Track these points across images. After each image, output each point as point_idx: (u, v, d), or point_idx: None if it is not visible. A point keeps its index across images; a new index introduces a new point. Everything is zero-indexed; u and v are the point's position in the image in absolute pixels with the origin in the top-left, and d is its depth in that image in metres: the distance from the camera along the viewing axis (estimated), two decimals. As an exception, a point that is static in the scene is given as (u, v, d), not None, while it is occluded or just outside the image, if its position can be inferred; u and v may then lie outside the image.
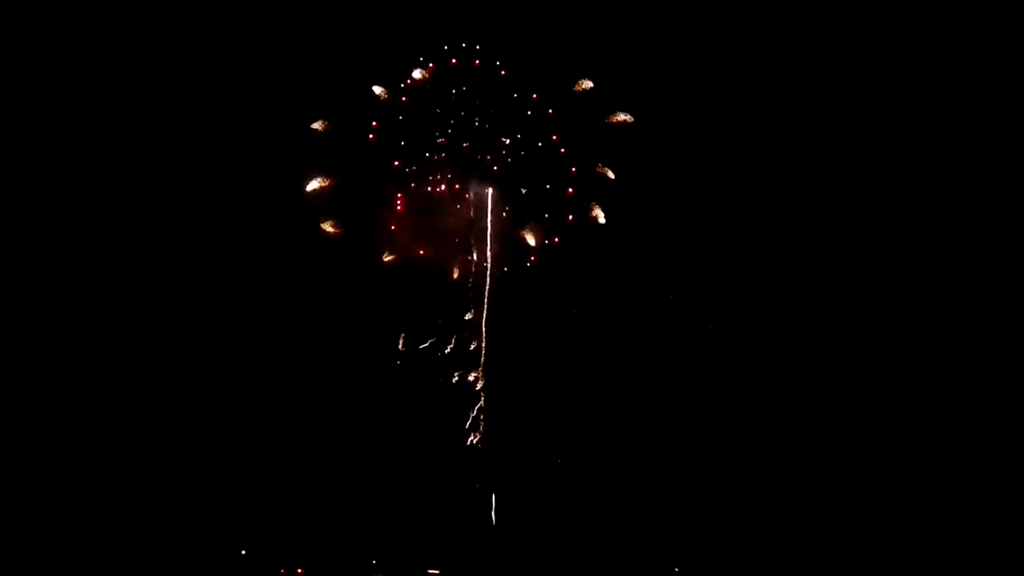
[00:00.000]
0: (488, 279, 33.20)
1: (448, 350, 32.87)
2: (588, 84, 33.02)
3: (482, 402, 32.52)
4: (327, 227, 32.88)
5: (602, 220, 32.88)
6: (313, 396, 32.69)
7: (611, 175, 32.88)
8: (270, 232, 33.24)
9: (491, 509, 32.13)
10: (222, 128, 33.30)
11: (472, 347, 32.86)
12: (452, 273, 33.15)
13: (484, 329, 32.86)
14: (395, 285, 33.16)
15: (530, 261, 33.12)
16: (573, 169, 33.26)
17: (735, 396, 33.00)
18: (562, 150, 33.26)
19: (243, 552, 31.79)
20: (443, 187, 33.18)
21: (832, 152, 33.62)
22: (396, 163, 33.10)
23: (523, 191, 33.22)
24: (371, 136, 33.29)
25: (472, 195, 33.22)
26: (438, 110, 33.44)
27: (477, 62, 33.37)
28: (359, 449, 32.44)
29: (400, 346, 32.83)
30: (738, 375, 33.12)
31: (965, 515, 31.00)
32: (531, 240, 32.82)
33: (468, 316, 32.98)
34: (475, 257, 33.19)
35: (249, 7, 33.56)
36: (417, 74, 33.28)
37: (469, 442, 32.43)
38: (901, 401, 32.50)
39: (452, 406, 32.71)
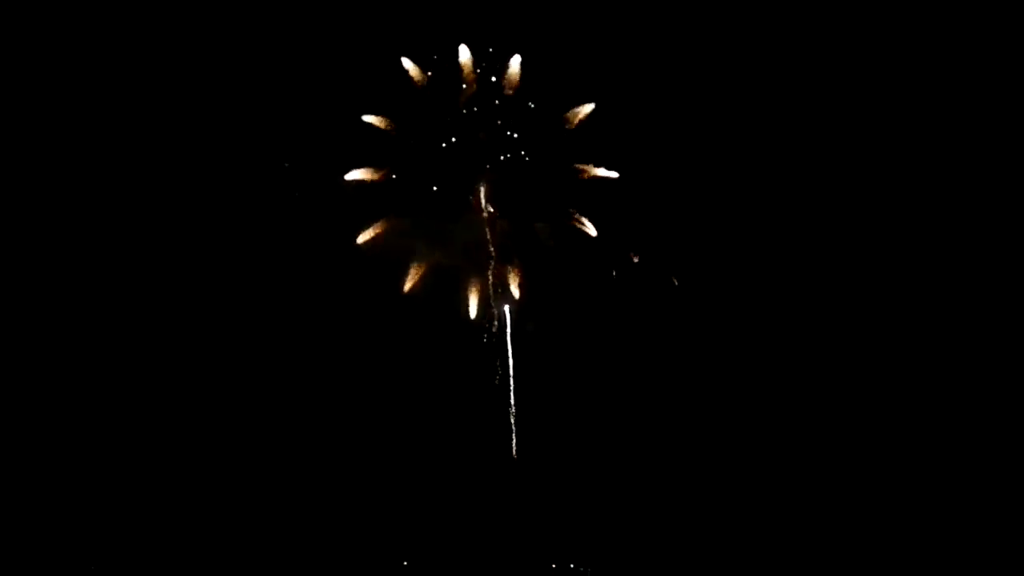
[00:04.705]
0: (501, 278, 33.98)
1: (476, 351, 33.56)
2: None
3: (512, 405, 33.23)
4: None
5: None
6: (344, 396, 33.50)
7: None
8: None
9: (520, 509, 32.83)
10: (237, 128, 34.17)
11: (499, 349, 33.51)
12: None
13: (508, 332, 33.69)
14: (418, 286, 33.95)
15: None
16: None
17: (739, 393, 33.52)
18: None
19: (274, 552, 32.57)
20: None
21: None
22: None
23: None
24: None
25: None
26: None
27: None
28: (391, 452, 33.15)
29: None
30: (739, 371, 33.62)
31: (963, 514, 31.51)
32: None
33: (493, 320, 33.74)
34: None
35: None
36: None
37: (499, 445, 33.06)
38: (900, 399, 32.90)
39: (482, 409, 33.33)
